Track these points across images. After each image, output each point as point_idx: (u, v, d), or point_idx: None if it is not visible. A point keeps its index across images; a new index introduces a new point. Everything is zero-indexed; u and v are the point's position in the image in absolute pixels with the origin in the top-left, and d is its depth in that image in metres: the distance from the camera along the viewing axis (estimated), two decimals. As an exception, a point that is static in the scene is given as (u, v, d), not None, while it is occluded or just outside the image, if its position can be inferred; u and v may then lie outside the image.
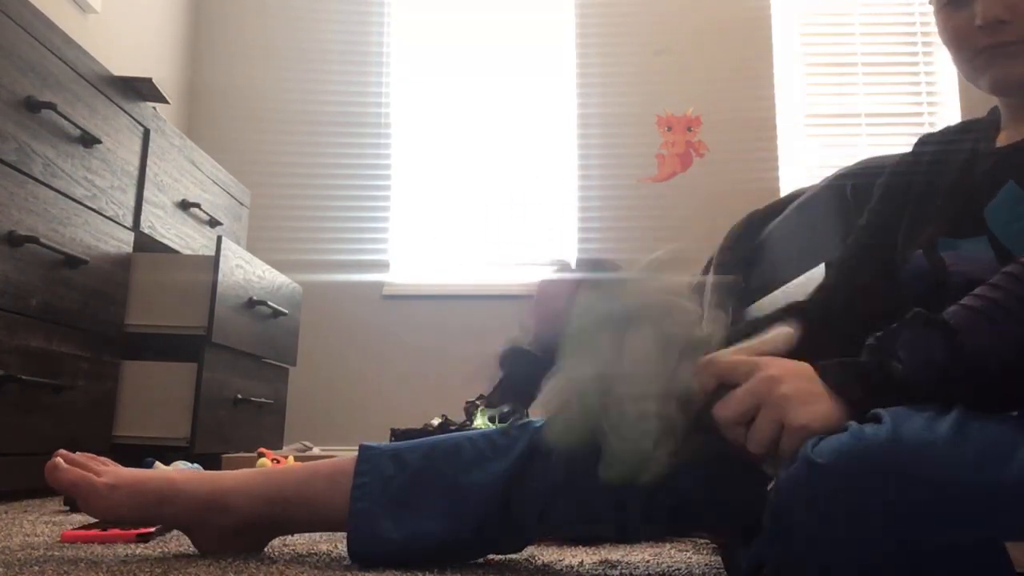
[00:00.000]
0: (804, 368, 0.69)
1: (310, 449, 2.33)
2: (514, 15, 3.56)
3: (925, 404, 0.63)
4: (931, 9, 0.91)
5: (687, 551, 1.10)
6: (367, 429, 2.89)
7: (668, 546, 1.15)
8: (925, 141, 0.97)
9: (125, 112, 2.08)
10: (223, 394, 2.24)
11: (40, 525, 1.27)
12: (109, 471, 0.96)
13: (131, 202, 2.13)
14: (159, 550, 1.02)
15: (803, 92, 3.51)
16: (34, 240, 1.69)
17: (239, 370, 2.36)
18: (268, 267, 2.58)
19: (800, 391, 0.66)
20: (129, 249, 2.11)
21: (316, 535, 1.19)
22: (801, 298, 0.94)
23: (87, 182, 1.91)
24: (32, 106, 1.70)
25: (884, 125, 3.48)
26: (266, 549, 1.02)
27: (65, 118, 1.80)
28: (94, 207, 1.94)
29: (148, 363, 2.11)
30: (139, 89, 2.14)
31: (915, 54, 3.51)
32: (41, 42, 1.74)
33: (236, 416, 2.33)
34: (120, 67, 2.26)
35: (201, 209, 2.50)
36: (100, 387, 1.97)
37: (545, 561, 0.99)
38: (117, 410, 2.05)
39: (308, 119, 3.44)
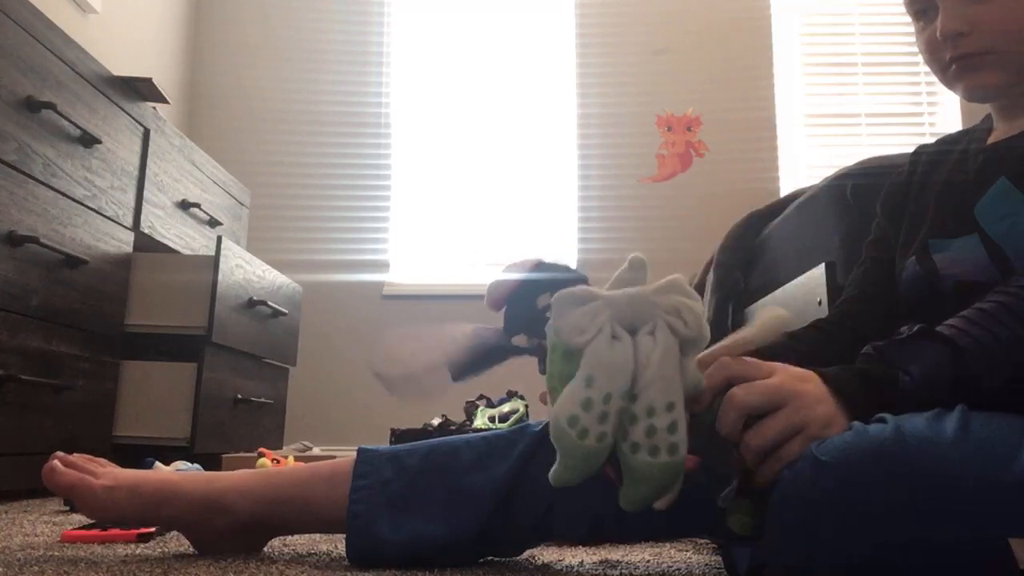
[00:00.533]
0: (811, 377, 0.68)
1: (310, 449, 2.32)
2: (514, 15, 3.56)
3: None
4: None
5: (687, 551, 1.09)
6: (367, 429, 2.89)
7: (668, 546, 1.15)
8: (920, 152, 0.98)
9: (125, 112, 2.08)
10: (223, 394, 2.24)
11: (40, 525, 1.27)
12: (107, 472, 0.96)
13: (131, 202, 2.13)
14: (159, 550, 1.02)
15: (803, 92, 3.51)
16: (34, 240, 1.69)
17: (239, 370, 2.36)
18: (268, 267, 2.58)
19: (826, 413, 0.65)
20: (129, 249, 2.11)
21: (316, 535, 1.19)
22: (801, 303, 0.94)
23: (87, 182, 1.91)
24: (32, 106, 1.70)
25: (884, 125, 3.48)
26: (266, 549, 1.02)
27: (65, 118, 1.79)
28: (94, 207, 1.94)
29: (148, 363, 2.11)
30: (139, 89, 2.14)
31: (915, 54, 3.50)
32: (41, 42, 1.74)
33: (236, 416, 2.33)
34: (120, 67, 2.26)
35: (201, 209, 2.50)
36: (100, 387, 1.97)
37: (545, 561, 0.99)
38: (117, 410, 2.05)
39: (308, 119, 3.44)
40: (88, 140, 1.89)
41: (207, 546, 0.98)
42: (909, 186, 0.95)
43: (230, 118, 3.44)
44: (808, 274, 1.30)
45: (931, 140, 1.00)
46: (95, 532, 1.10)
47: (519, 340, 0.87)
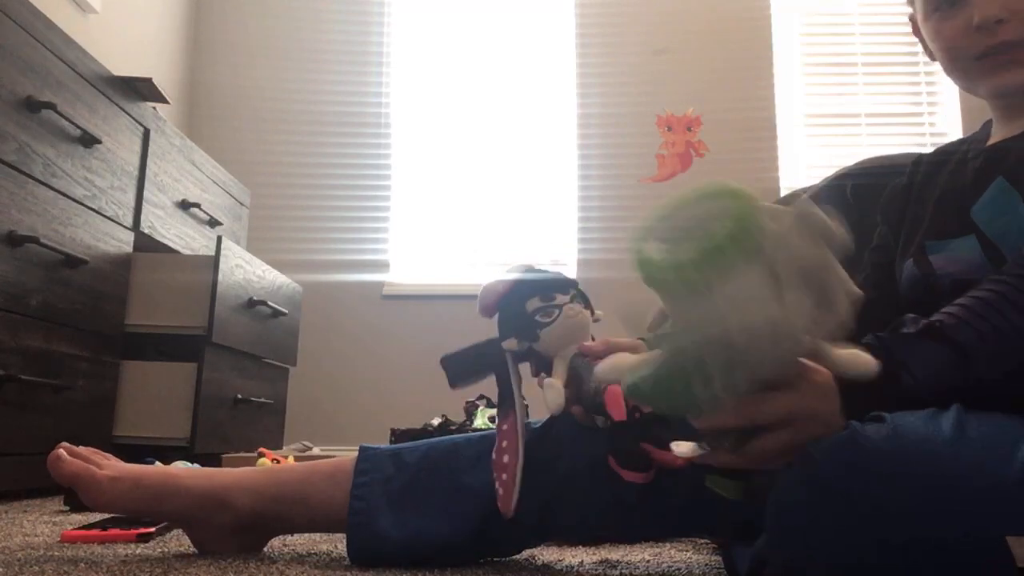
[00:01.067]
0: (831, 391, 0.64)
1: (310, 449, 2.32)
2: (514, 15, 3.56)
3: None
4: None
5: (687, 551, 1.09)
6: (367, 429, 2.89)
7: (668, 546, 1.15)
8: (919, 161, 0.98)
9: (125, 112, 2.08)
10: (223, 394, 2.24)
11: (40, 525, 1.27)
12: (111, 464, 0.97)
13: (131, 202, 2.13)
14: (159, 550, 1.02)
15: (803, 92, 3.51)
16: (34, 240, 1.69)
17: (239, 370, 2.36)
18: (268, 267, 2.58)
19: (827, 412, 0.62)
20: (129, 249, 2.11)
21: (316, 535, 1.19)
22: None
23: (87, 182, 1.91)
24: (32, 106, 1.70)
25: (884, 125, 3.48)
26: (266, 549, 1.02)
27: (65, 118, 1.80)
28: (94, 207, 1.94)
29: (148, 363, 2.11)
30: (139, 89, 2.14)
31: (915, 54, 3.50)
32: (41, 42, 1.74)
33: (236, 416, 2.33)
34: (120, 67, 2.26)
35: (201, 209, 2.50)
36: (100, 387, 1.97)
37: (545, 561, 0.99)
38: (117, 410, 2.05)
39: (308, 119, 3.44)
40: (88, 140, 1.89)
41: (207, 544, 0.98)
42: (909, 190, 0.95)
43: (230, 118, 3.44)
44: (808, 274, 1.30)
45: (931, 140, 1.00)
46: (95, 532, 1.10)
47: (510, 344, 0.87)
